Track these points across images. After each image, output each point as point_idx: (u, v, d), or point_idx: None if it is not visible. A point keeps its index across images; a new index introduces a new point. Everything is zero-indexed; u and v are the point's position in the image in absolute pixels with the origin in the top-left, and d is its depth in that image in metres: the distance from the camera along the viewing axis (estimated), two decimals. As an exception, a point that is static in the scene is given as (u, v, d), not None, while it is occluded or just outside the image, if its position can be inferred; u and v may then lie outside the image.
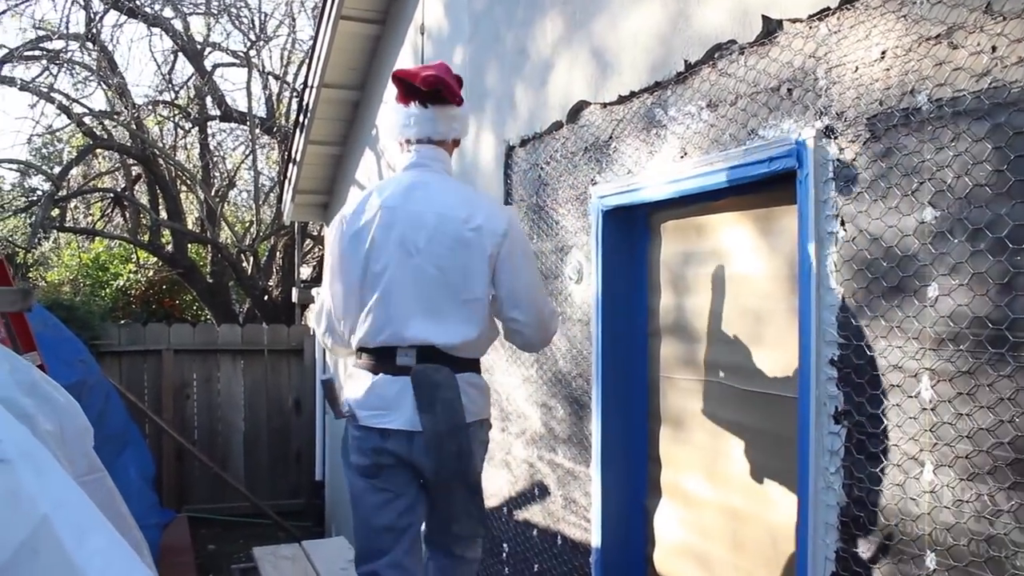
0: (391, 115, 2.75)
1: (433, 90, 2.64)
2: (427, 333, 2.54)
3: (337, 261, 2.67)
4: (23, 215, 12.46)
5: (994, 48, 1.73)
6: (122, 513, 1.80)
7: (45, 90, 10.54)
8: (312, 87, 6.61)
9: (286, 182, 7.83)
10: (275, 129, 11.64)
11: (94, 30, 10.40)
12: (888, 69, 1.97)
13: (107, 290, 12.04)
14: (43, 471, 1.12)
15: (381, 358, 2.60)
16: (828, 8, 2.12)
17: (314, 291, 8.50)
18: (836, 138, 2.10)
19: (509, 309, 2.65)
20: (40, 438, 1.39)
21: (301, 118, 7.01)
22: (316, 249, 12.70)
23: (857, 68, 2.05)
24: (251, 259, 11.81)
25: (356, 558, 2.76)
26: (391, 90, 4.92)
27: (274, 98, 12.22)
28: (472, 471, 2.62)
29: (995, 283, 1.72)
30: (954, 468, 1.81)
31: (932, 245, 1.86)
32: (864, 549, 2.02)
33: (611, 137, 3.06)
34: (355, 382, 2.69)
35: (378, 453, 2.63)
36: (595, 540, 3.13)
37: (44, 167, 12.53)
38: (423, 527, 2.79)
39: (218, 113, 11.92)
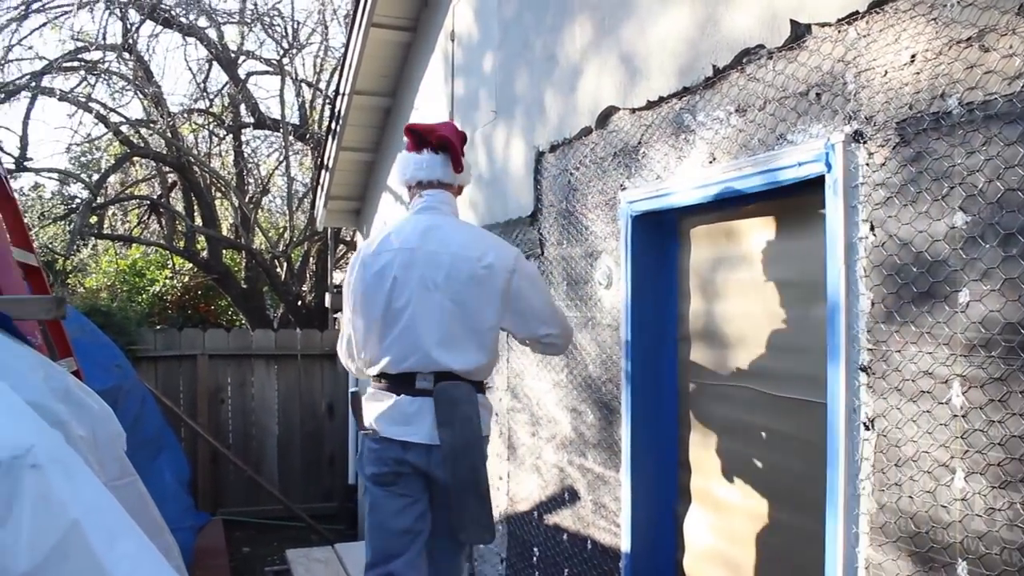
0: (402, 162, 3.03)
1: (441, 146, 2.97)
2: (447, 360, 2.77)
3: (360, 298, 2.90)
4: (62, 222, 12.67)
5: (1026, 51, 1.71)
6: (153, 517, 1.83)
7: (83, 100, 10.70)
8: (344, 94, 6.66)
9: (319, 188, 7.89)
10: (308, 136, 11.73)
11: (130, 40, 10.55)
12: (918, 73, 1.95)
13: (143, 296, 12.18)
14: (74, 476, 1.14)
15: (402, 382, 2.82)
16: (857, 12, 2.11)
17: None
18: (865, 143, 2.09)
19: (539, 327, 2.91)
20: (73, 444, 1.41)
21: (333, 125, 7.07)
22: (349, 255, 12.77)
23: (886, 72, 2.03)
24: (285, 265, 11.91)
25: (369, 563, 2.89)
26: (424, 97, 5.09)
27: (307, 105, 12.32)
28: (484, 481, 2.80)
29: (1027, 289, 1.70)
30: (986, 476, 1.78)
31: (963, 250, 1.84)
32: (893, 557, 2.00)
33: (640, 142, 3.06)
34: (376, 402, 2.89)
35: (398, 463, 2.84)
36: (625, 545, 3.12)
37: (82, 175, 12.73)
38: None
39: (252, 120, 12.04)
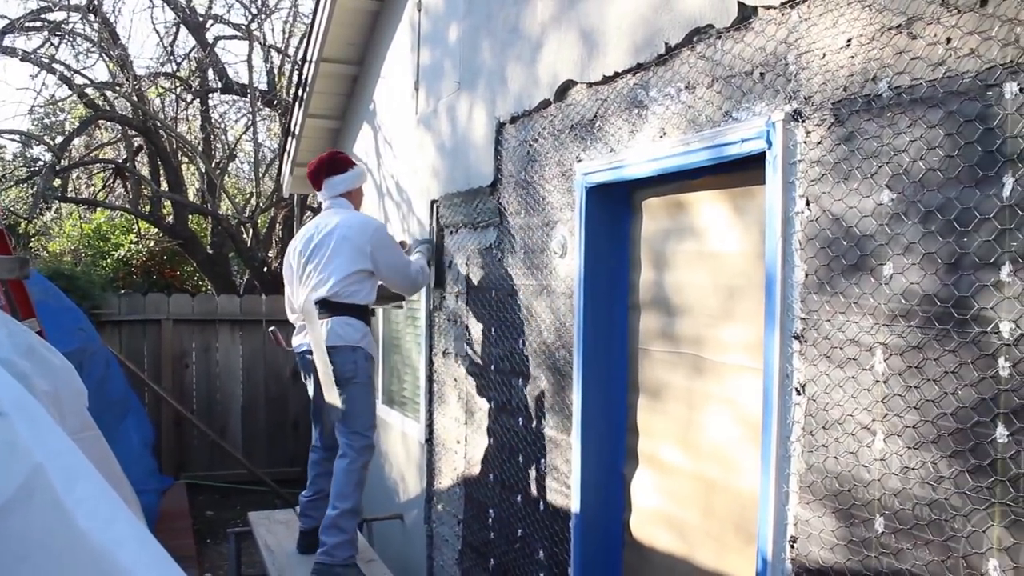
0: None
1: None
2: (325, 292, 4.15)
3: (288, 258, 4.52)
4: (25, 185, 12.54)
5: (949, 39, 1.82)
6: (114, 470, 1.90)
7: (47, 61, 10.58)
8: (311, 61, 6.67)
9: (285, 155, 7.90)
10: (276, 102, 11.68)
11: (96, 1, 10.43)
12: (853, 56, 2.05)
13: (108, 260, 12.12)
14: (37, 423, 1.22)
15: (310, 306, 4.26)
16: (799, -4, 2.20)
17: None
18: (803, 122, 2.19)
19: (388, 274, 4.27)
20: (36, 397, 1.48)
21: (300, 92, 7.08)
22: (316, 222, 12.76)
23: (824, 55, 2.13)
24: (251, 231, 11.89)
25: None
26: (390, 66, 5.43)
27: (275, 71, 12.26)
28: (340, 378, 4.10)
29: (943, 263, 1.82)
30: (902, 437, 1.91)
31: (888, 226, 1.95)
32: (820, 514, 2.13)
33: (596, 116, 3.14)
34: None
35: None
36: (575, 506, 3.24)
37: (46, 137, 12.59)
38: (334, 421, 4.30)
39: (219, 85, 11.96)
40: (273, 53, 12.32)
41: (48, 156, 11.38)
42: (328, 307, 4.18)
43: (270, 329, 4.93)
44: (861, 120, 2.03)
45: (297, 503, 4.81)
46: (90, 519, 1.20)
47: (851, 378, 2.04)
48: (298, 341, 4.47)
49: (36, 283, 6.08)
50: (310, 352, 4.26)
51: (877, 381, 1.97)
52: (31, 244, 12.67)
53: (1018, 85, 1.67)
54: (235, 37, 12.32)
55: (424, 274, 4.48)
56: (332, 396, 4.16)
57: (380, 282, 4.36)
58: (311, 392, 4.48)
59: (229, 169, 13.95)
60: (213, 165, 11.93)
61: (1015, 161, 1.68)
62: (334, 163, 4.52)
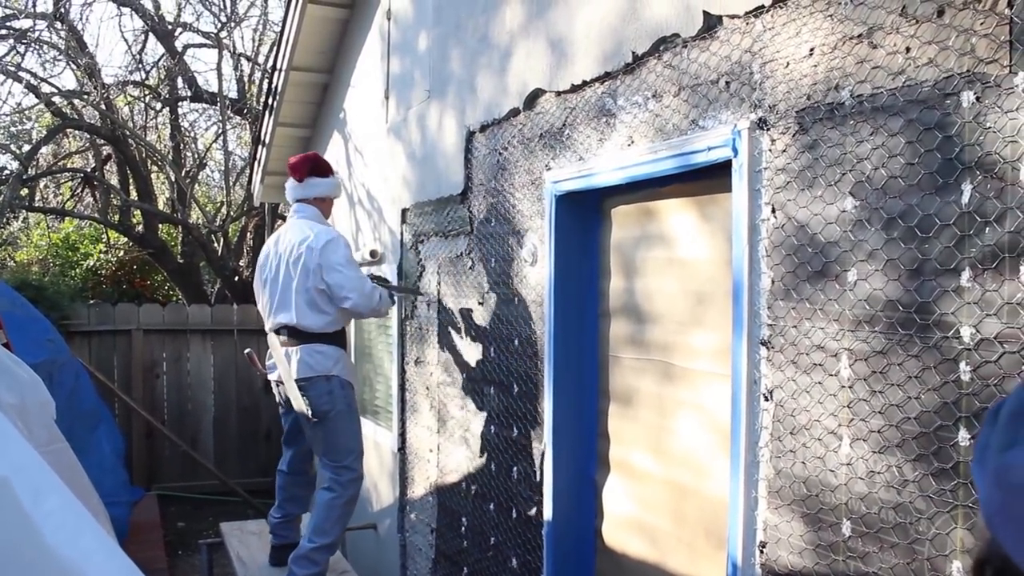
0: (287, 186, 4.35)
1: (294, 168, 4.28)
2: (286, 319, 4.01)
3: (255, 280, 4.30)
4: (-9, 194, 12.37)
5: (908, 49, 1.85)
6: (83, 483, 1.89)
7: (12, 69, 10.47)
8: (281, 70, 6.64)
9: (255, 164, 7.86)
10: (246, 110, 11.62)
11: (63, 9, 10.33)
12: (816, 65, 2.08)
13: (77, 270, 12.00)
14: (4, 437, 1.21)
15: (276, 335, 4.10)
16: (763, 6, 2.23)
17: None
18: (768, 130, 2.21)
19: (339, 291, 3.95)
20: (2, 410, 1.47)
21: (270, 100, 7.05)
22: (287, 230, 12.68)
23: (788, 64, 2.16)
24: (222, 240, 11.81)
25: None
26: (360, 74, 5.41)
27: (245, 79, 12.19)
28: (316, 412, 3.94)
29: (906, 269, 1.85)
30: (868, 442, 1.93)
31: (852, 233, 1.98)
32: (788, 519, 2.15)
33: (564, 124, 3.16)
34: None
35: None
36: (547, 513, 3.25)
37: (12, 146, 12.44)
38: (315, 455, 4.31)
39: (189, 93, 11.88)
40: (243, 61, 12.25)
41: (15, 165, 11.24)
42: (295, 335, 3.99)
43: (246, 351, 4.74)
44: (824, 128, 2.05)
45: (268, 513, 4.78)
46: (57, 533, 1.19)
47: (817, 384, 2.06)
48: (270, 365, 4.29)
49: (3, 294, 6.03)
50: (280, 382, 4.09)
51: (843, 386, 2.00)
52: (-2, 254, 12.52)
53: (975, 94, 1.70)
54: (204, 45, 12.25)
55: (384, 302, 4.16)
56: (312, 429, 4.03)
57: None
58: (284, 420, 4.44)
59: (199, 178, 13.86)
60: (183, 174, 11.84)
61: (973, 168, 1.71)
62: (319, 165, 4.34)
